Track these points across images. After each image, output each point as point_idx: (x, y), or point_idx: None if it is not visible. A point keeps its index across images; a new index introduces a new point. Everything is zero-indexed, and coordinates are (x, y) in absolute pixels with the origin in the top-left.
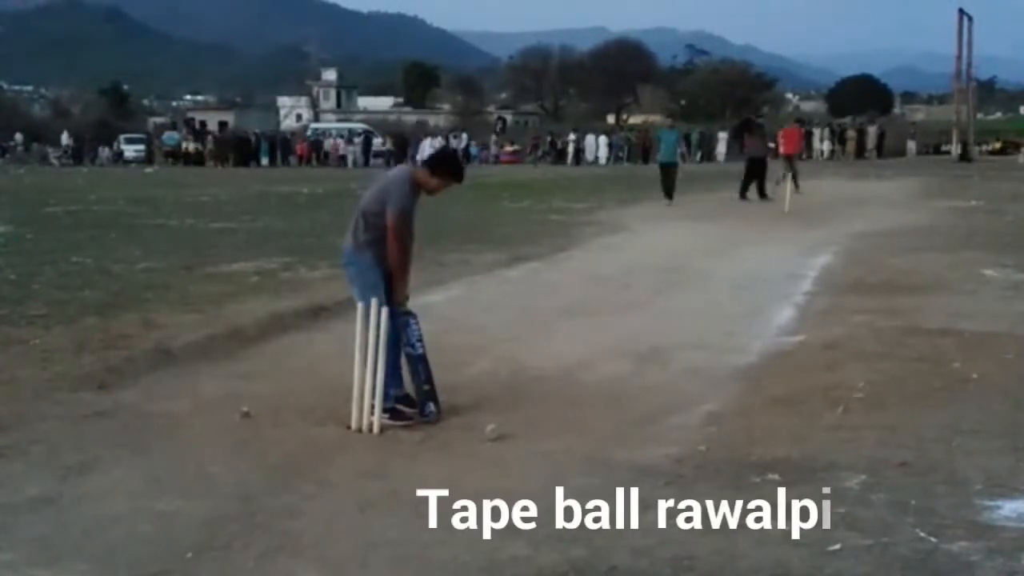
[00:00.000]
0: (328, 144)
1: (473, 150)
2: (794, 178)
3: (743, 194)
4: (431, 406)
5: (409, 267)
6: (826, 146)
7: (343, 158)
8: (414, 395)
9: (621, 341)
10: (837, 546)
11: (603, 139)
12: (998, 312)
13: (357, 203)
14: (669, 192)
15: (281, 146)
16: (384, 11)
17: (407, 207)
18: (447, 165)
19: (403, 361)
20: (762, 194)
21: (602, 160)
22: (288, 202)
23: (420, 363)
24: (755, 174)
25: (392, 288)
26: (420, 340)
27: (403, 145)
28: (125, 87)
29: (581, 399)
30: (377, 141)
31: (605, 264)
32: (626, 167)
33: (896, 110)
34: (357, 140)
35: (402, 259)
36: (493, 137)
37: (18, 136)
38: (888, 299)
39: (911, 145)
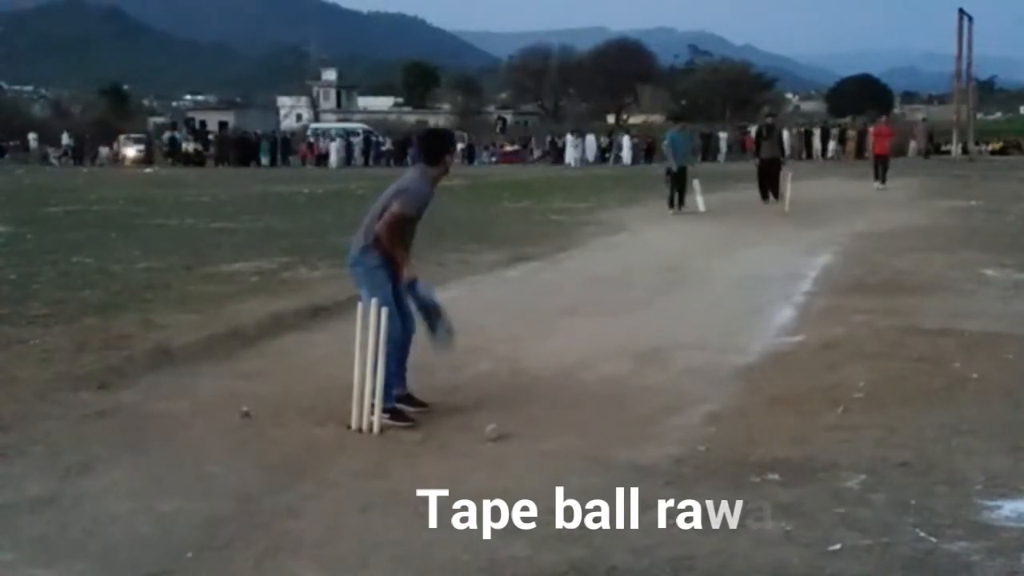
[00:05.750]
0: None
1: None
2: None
3: (764, 196)
4: (443, 326)
5: (407, 253)
6: (831, 146)
7: (349, 153)
8: (427, 320)
9: (621, 341)
10: (837, 546)
11: (626, 139)
12: (998, 312)
13: (358, 204)
14: (683, 198)
15: (281, 146)
16: (384, 11)
17: (418, 205)
18: (443, 148)
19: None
20: (772, 194)
21: (626, 160)
22: (288, 202)
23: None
24: (767, 175)
25: (398, 274)
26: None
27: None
28: (125, 87)
29: (581, 399)
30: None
31: (605, 264)
32: (626, 167)
33: (896, 110)
34: (356, 140)
35: (393, 243)
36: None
37: (31, 136)
38: (888, 299)
39: (913, 144)
